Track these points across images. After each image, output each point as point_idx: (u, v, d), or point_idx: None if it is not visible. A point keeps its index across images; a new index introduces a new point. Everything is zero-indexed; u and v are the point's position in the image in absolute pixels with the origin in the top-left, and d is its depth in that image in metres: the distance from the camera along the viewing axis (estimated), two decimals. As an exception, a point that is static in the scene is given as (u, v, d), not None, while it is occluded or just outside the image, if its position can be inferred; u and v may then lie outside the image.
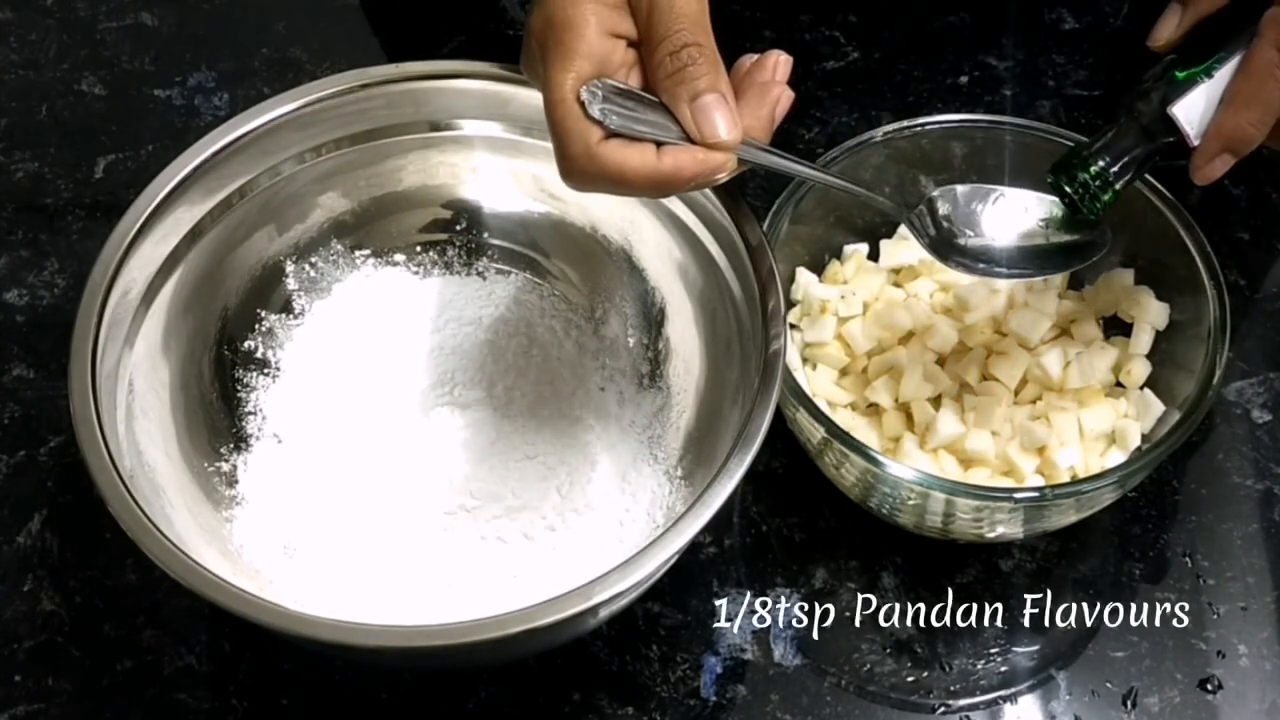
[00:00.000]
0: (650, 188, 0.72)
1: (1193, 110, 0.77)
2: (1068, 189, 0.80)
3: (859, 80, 1.07)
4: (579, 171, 0.71)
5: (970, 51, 1.09)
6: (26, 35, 1.10)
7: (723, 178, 0.73)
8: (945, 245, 0.81)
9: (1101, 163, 0.79)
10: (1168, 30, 0.79)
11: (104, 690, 0.83)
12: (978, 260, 0.81)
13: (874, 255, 0.94)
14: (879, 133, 0.90)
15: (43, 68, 1.08)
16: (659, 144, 0.71)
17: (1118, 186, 0.79)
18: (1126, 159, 0.79)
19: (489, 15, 1.10)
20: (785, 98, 0.74)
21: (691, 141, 0.71)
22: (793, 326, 0.90)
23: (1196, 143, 0.78)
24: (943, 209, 0.81)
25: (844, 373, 0.90)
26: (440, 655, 0.76)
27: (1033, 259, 0.82)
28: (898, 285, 0.93)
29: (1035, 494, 0.80)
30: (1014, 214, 0.82)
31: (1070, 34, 1.10)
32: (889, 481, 0.80)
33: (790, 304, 0.91)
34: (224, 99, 1.07)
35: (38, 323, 0.96)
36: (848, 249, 0.94)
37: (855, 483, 0.84)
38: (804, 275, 0.92)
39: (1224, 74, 0.77)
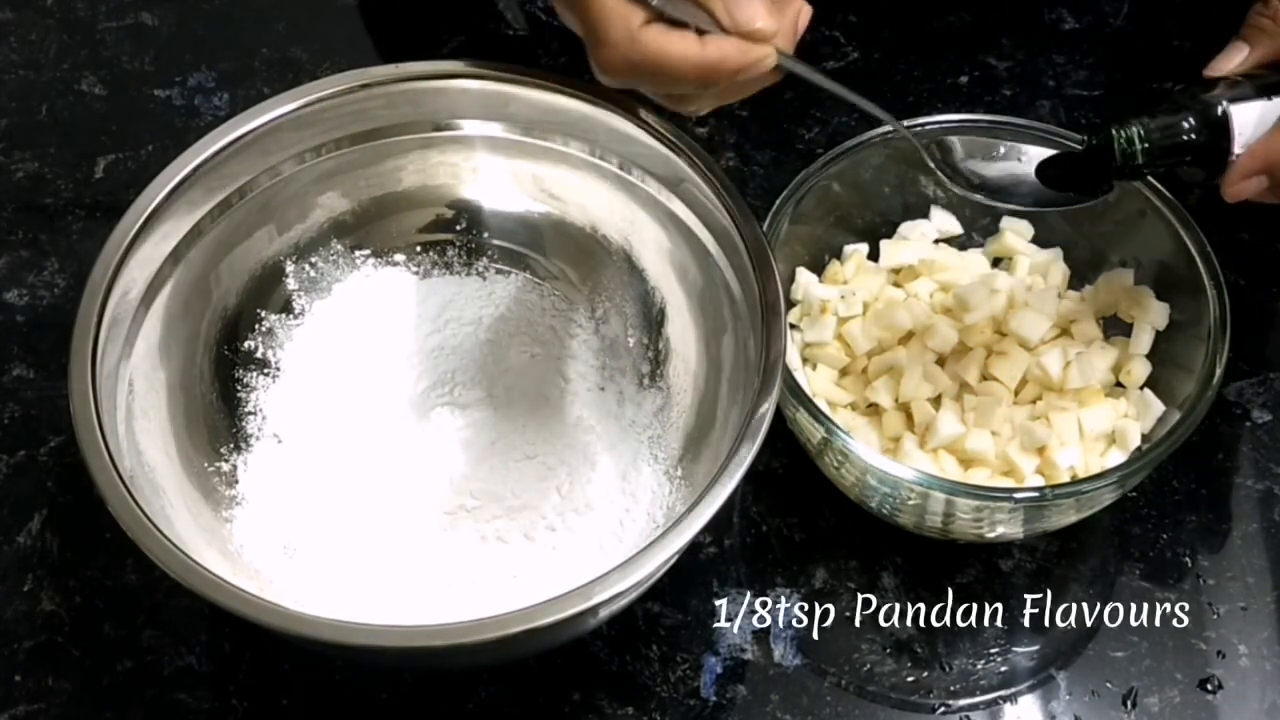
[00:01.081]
0: (693, 77, 0.70)
1: (1246, 122, 0.77)
2: (1122, 132, 0.79)
3: (859, 80, 1.07)
4: (620, 59, 0.70)
5: (970, 51, 1.09)
6: (26, 35, 1.10)
7: (767, 66, 0.72)
8: (953, 170, 0.82)
9: (1155, 128, 0.78)
10: (1229, 66, 0.79)
11: (104, 690, 0.83)
12: (986, 189, 0.82)
13: (874, 255, 0.94)
14: (879, 133, 0.90)
15: (43, 68, 1.08)
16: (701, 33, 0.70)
17: (1157, 158, 0.79)
18: (1170, 141, 0.79)
19: (489, 15, 1.10)
20: (805, 11, 0.73)
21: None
22: (793, 326, 0.90)
23: (1239, 152, 0.77)
24: (951, 145, 0.82)
25: (844, 373, 0.90)
26: (440, 655, 0.76)
27: (1031, 193, 0.82)
28: (898, 285, 0.93)
29: (1035, 494, 0.80)
30: (1016, 158, 0.83)
31: (1070, 34, 1.10)
32: (889, 481, 0.80)
33: (790, 304, 0.91)
34: (224, 99, 1.06)
35: (38, 323, 0.96)
36: (848, 249, 0.94)
37: (855, 483, 0.84)
38: (804, 275, 0.92)
39: None
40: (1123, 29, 1.10)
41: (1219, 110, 0.77)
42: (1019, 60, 1.09)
